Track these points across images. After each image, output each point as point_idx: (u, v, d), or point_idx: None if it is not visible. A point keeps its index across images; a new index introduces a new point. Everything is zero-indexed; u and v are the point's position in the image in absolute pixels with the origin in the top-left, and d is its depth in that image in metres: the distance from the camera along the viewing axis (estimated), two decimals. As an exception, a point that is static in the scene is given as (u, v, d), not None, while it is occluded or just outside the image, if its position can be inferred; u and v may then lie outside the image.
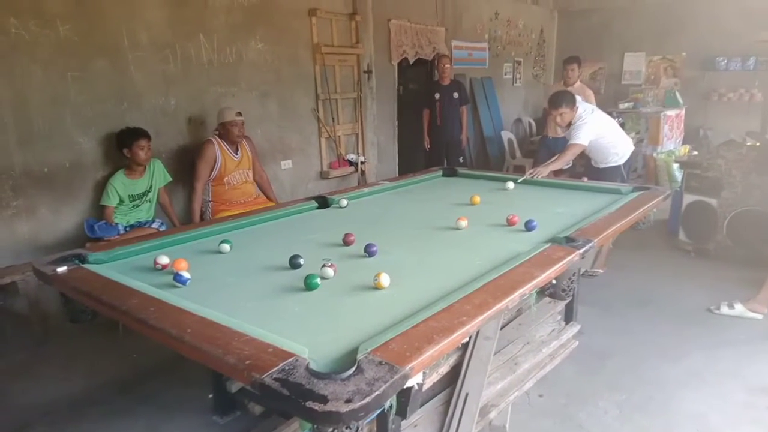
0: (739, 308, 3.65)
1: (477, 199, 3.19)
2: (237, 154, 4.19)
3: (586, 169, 4.60)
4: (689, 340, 3.38)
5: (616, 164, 4.36)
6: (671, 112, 7.81)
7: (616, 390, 2.87)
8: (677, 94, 8.26)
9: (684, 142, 8.07)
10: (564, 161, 4.14)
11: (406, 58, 6.51)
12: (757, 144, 4.98)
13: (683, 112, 8.13)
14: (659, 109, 7.91)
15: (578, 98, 4.29)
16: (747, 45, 7.51)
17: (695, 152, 6.86)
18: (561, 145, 4.77)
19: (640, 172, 7.51)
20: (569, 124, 4.15)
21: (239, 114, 4.10)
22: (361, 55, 5.77)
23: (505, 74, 8.66)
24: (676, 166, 5.99)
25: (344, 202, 3.20)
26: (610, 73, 9.47)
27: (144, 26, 3.95)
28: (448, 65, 6.28)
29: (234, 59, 4.58)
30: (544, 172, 3.88)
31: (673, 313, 3.73)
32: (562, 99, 4.13)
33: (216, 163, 4.07)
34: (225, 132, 4.09)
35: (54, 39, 3.51)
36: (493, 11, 8.09)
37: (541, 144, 6.27)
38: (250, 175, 4.32)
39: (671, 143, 7.73)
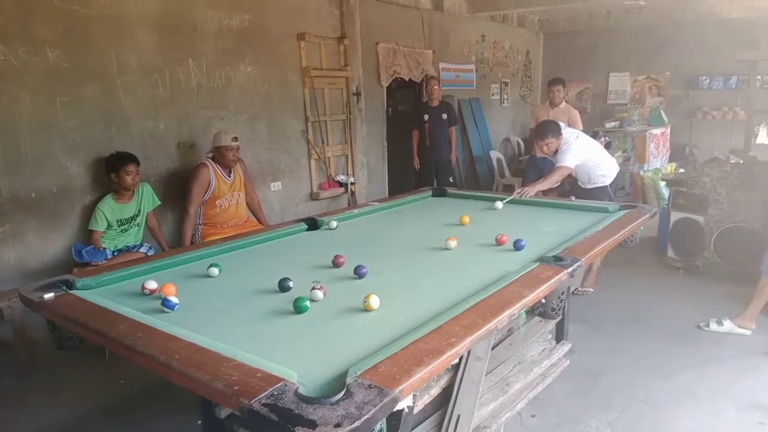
0: (728, 325, 3.67)
1: (466, 219, 3.20)
2: (230, 176, 4.20)
3: (573, 188, 4.64)
4: (679, 357, 3.39)
5: (603, 185, 4.41)
6: (657, 131, 7.93)
7: (608, 409, 2.86)
8: (662, 112, 8.39)
9: (670, 160, 8.18)
10: (551, 182, 4.20)
11: (396, 79, 6.57)
12: (741, 161, 5.05)
13: (668, 130, 8.25)
14: (645, 128, 8.02)
15: (562, 124, 4.36)
16: (728, 64, 7.66)
17: (682, 170, 6.94)
18: (549, 164, 4.83)
19: (628, 189, 7.58)
20: (555, 152, 4.22)
21: (235, 139, 4.12)
22: (349, 78, 5.83)
23: (493, 95, 8.77)
24: (662, 183, 6.05)
25: (334, 224, 3.20)
26: (596, 93, 9.61)
27: (133, 51, 3.97)
28: (436, 87, 6.36)
29: (223, 83, 4.61)
30: (532, 191, 3.91)
31: (663, 331, 3.74)
32: (548, 130, 4.20)
33: (210, 185, 4.08)
34: (220, 156, 4.10)
35: (43, 65, 3.52)
36: (479, 34, 8.22)
37: (530, 163, 6.33)
38: (242, 197, 4.32)
39: (657, 161, 7.83)
